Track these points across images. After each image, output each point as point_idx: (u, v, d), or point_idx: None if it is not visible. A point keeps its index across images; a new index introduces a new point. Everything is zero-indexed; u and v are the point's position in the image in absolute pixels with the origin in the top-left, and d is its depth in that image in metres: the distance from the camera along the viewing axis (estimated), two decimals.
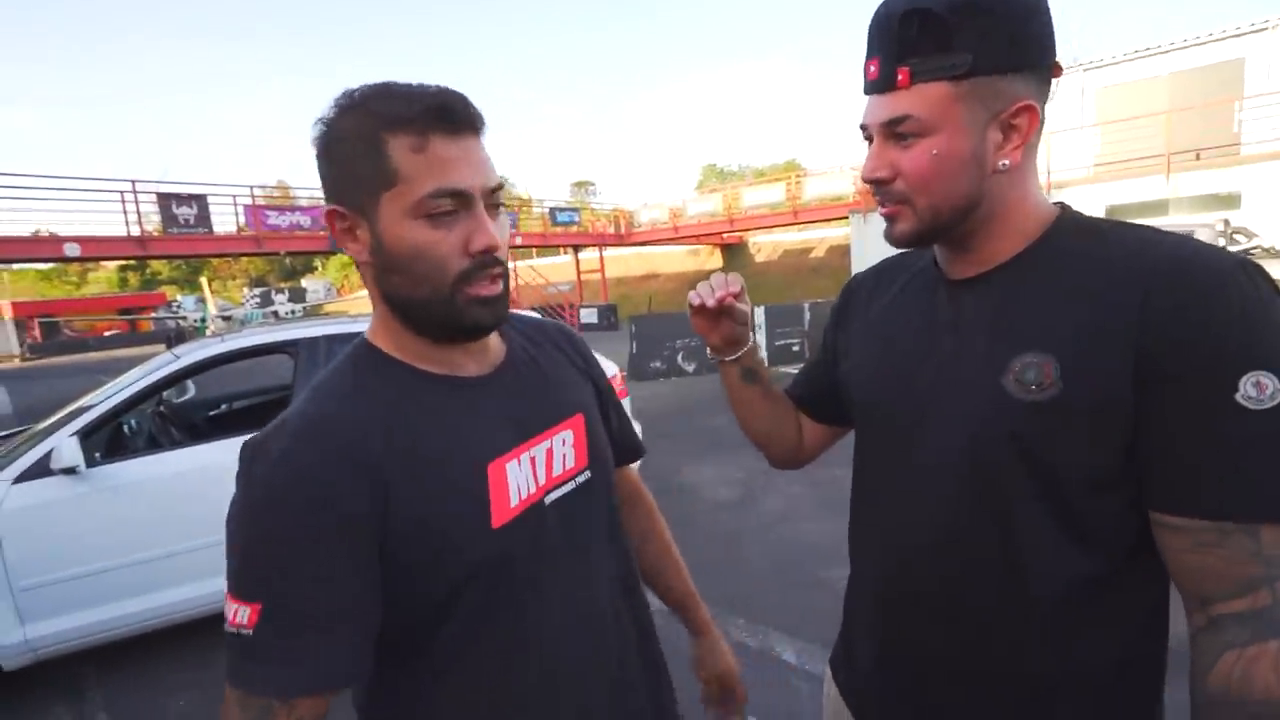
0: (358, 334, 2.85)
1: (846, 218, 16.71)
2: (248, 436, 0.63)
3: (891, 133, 0.65)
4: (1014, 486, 0.63)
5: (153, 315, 25.15)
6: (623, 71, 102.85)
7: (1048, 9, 0.63)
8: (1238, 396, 0.54)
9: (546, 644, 0.69)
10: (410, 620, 0.64)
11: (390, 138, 0.60)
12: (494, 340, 0.76)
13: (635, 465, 1.00)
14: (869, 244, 14.64)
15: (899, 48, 0.63)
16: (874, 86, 0.66)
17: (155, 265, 41.56)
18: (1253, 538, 0.55)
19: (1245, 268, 0.58)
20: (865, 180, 0.69)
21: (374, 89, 0.63)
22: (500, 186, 0.66)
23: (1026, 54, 0.62)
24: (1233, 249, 7.12)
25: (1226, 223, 7.93)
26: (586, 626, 0.73)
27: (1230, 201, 11.00)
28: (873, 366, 0.78)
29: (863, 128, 0.69)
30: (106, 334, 25.46)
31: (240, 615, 0.57)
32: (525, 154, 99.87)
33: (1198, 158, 11.96)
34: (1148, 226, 0.66)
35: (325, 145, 0.63)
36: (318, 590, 0.57)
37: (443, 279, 0.63)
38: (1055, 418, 0.60)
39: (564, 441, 0.75)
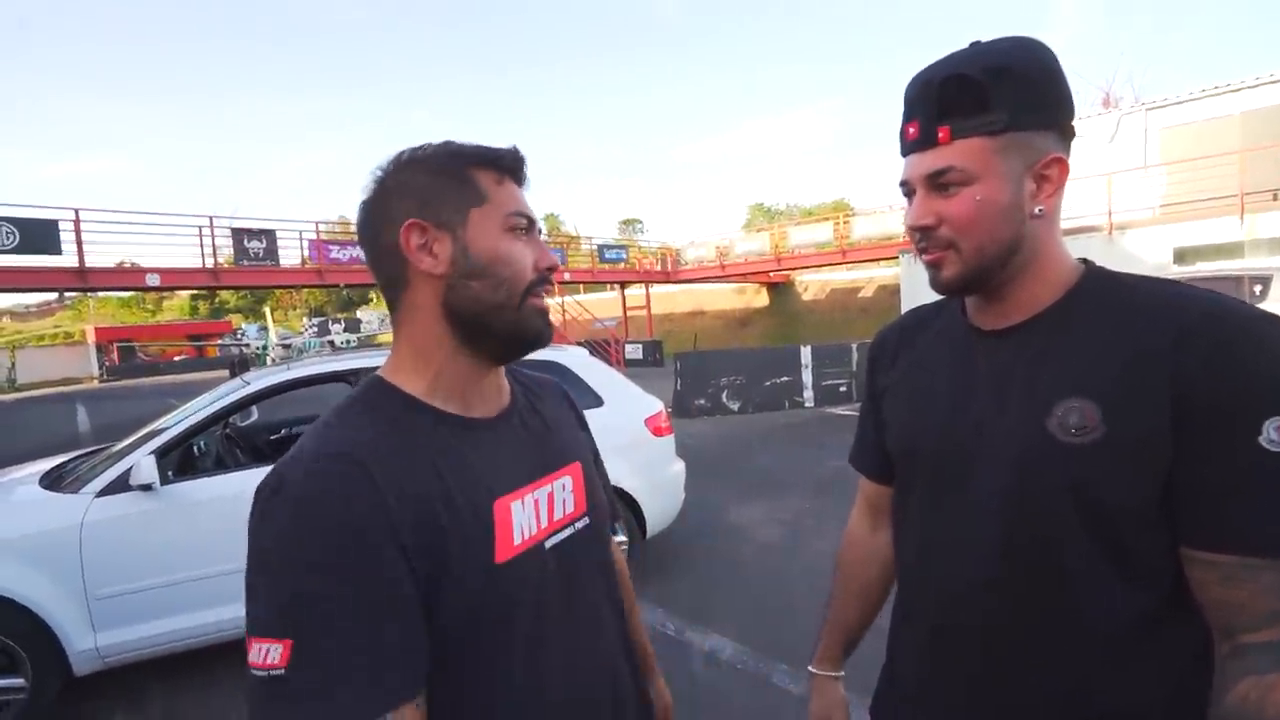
0: None
1: (896, 258, 16.51)
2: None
3: (935, 184, 0.70)
4: (1062, 526, 0.66)
5: (219, 342, 26.50)
6: (678, 120, 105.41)
7: (1064, 74, 0.69)
8: (1261, 440, 0.58)
9: (549, 690, 0.69)
10: None
11: (477, 171, 0.70)
12: (503, 384, 0.78)
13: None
14: (919, 284, 14.32)
15: (939, 109, 0.69)
16: (914, 146, 0.72)
17: (223, 295, 43.96)
18: (1276, 573, 0.58)
19: (1269, 320, 0.62)
20: (911, 228, 0.73)
21: (448, 141, 0.72)
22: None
23: (1053, 113, 0.68)
24: None
25: None
26: (587, 675, 0.73)
27: None
28: (912, 416, 0.81)
29: (903, 184, 0.74)
30: (176, 359, 26.87)
31: (271, 655, 0.52)
32: (576, 193, 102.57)
33: (1275, 198, 11.41)
34: (1172, 280, 0.69)
35: (402, 182, 0.69)
36: (357, 617, 0.54)
37: (518, 285, 0.70)
38: (1099, 459, 0.63)
39: (564, 487, 0.76)
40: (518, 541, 0.68)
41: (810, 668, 1.01)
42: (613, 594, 0.80)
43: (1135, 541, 0.64)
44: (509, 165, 0.72)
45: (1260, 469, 0.58)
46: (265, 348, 19.31)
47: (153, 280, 14.12)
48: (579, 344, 6.99)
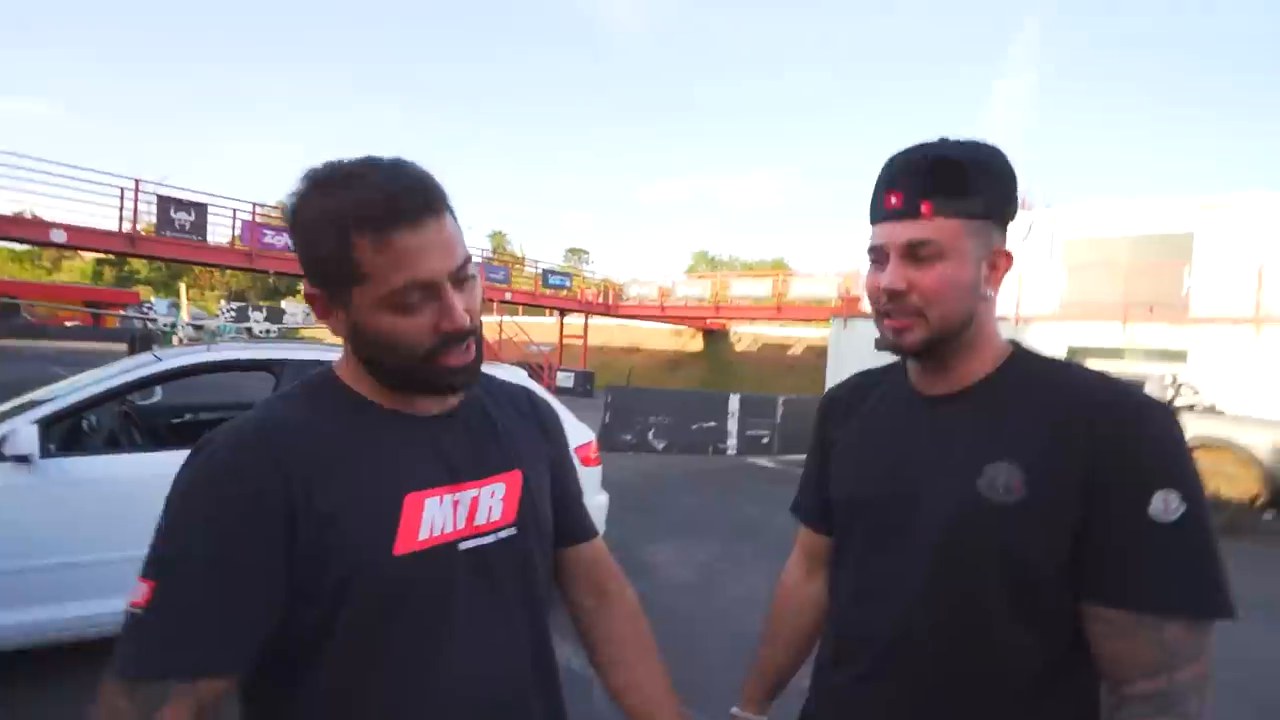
0: None
1: (828, 320, 17.30)
2: None
3: (911, 254, 0.75)
4: (986, 579, 0.73)
5: (121, 313, 24.51)
6: (635, 159, 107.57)
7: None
8: (1149, 510, 0.67)
9: (442, 687, 0.68)
10: (297, 634, 0.64)
11: (357, 239, 0.62)
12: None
13: (602, 549, 0.95)
14: (846, 347, 15.13)
15: (925, 185, 0.74)
16: (895, 214, 0.76)
17: (135, 264, 40.85)
18: (1158, 630, 0.66)
19: (1159, 406, 0.73)
20: (885, 290, 0.77)
21: (331, 177, 0.64)
22: (468, 259, 0.68)
23: (1009, 211, 0.79)
24: (1179, 402, 7.55)
25: (1175, 376, 8.39)
26: (488, 680, 0.72)
27: (1178, 357, 11.70)
28: (859, 469, 0.87)
29: (876, 249, 0.79)
30: (68, 324, 24.65)
31: (138, 592, 0.58)
32: (527, 214, 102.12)
33: (1151, 312, 12.81)
34: (1082, 365, 0.81)
35: (296, 229, 0.67)
36: (213, 571, 0.59)
37: (413, 355, 0.67)
38: (1021, 519, 0.71)
39: (493, 494, 0.75)
40: (423, 537, 0.68)
41: (733, 710, 1.02)
42: (531, 605, 0.78)
43: (1048, 596, 0.72)
44: (391, 217, 0.62)
45: (1148, 536, 0.66)
46: (174, 326, 17.98)
47: (58, 237, 12.99)
48: (512, 364, 6.91)
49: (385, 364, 0.69)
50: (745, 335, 26.19)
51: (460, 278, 0.67)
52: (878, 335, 0.84)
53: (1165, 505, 0.66)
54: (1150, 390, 7.06)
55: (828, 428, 0.96)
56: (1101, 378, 0.76)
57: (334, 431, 0.68)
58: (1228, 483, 6.78)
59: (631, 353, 26.92)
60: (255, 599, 0.61)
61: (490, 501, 0.75)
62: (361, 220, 0.62)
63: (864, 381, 0.96)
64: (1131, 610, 0.67)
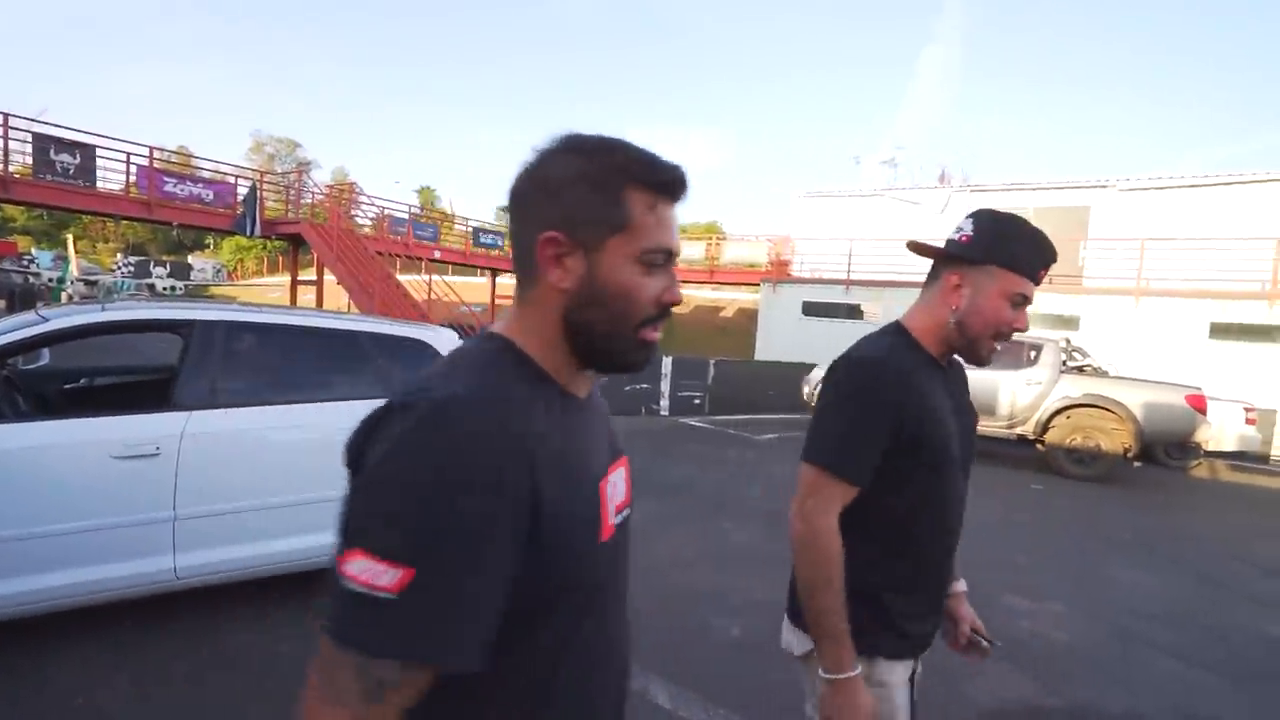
0: (267, 325, 2.83)
1: (758, 285, 17.67)
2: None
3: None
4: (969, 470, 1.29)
5: None
6: (575, 116, 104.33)
7: None
8: None
9: (604, 658, 0.74)
10: (504, 624, 0.62)
11: (632, 191, 0.67)
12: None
13: None
14: (775, 311, 15.55)
15: None
16: (1039, 281, 1.19)
17: (9, 210, 36.64)
18: None
19: None
20: (1020, 330, 1.19)
21: (617, 142, 0.70)
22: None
23: None
24: (1071, 364, 8.28)
25: (1068, 340, 9.16)
26: (623, 645, 0.80)
27: (1071, 323, 12.74)
28: (944, 427, 1.20)
29: (1026, 299, 1.19)
30: None
31: (384, 577, 0.54)
32: (457, 167, 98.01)
33: (1050, 282, 13.82)
34: None
35: (555, 178, 0.68)
36: (476, 566, 0.57)
37: (633, 319, 0.69)
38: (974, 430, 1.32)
39: (622, 475, 0.81)
40: (612, 521, 0.72)
41: (849, 673, 1.08)
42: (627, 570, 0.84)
43: None
44: (669, 188, 0.70)
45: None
46: (62, 281, 16.39)
47: None
48: (443, 325, 6.72)
49: (600, 325, 0.69)
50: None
51: (674, 261, 0.74)
52: (952, 346, 1.24)
53: None
54: (1047, 353, 7.86)
55: (899, 396, 1.15)
56: None
57: (548, 414, 0.67)
58: (1107, 437, 7.52)
59: None
60: (503, 588, 0.60)
61: (621, 482, 0.80)
62: (644, 179, 0.68)
63: (907, 358, 1.22)
64: None
